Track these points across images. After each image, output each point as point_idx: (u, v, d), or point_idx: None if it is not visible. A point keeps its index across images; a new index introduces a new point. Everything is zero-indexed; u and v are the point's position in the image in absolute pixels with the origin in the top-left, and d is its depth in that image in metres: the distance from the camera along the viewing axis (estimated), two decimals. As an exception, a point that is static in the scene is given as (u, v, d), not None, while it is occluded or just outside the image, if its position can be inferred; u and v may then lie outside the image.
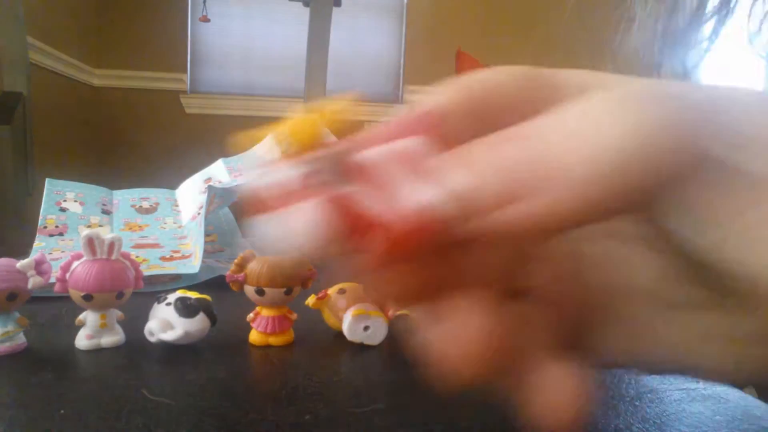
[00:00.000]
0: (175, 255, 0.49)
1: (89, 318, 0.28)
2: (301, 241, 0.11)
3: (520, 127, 0.12)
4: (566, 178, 0.10)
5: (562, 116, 0.11)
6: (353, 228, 0.11)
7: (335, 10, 2.02)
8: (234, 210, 0.63)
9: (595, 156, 0.10)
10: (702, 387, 0.26)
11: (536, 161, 0.11)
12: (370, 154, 0.12)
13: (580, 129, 0.11)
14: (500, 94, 0.17)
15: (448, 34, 3.37)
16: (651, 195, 0.11)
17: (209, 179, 0.62)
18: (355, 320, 0.29)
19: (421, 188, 0.11)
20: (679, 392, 0.25)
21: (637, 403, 0.24)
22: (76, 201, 0.56)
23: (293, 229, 0.11)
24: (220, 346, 0.29)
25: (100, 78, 3.06)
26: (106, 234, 0.28)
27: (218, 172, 0.62)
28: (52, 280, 0.27)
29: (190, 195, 0.62)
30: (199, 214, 0.52)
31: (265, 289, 0.28)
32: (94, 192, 0.59)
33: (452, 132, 0.16)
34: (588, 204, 0.10)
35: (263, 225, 0.12)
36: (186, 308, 0.28)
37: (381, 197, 0.11)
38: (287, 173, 0.12)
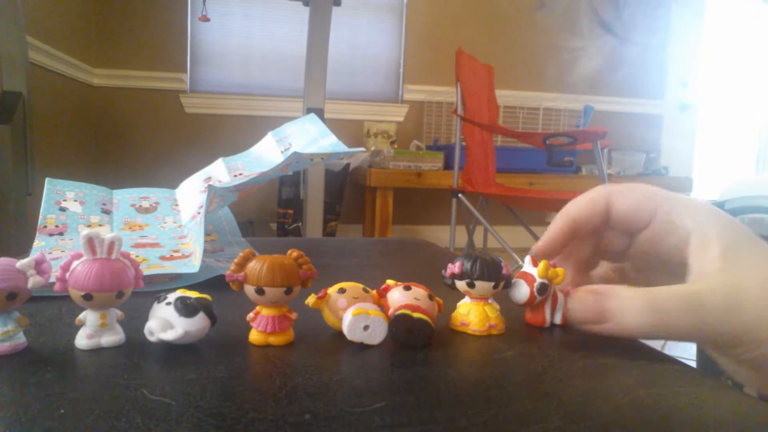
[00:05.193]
0: (175, 254, 0.49)
1: (89, 317, 0.28)
2: None
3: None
4: None
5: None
6: None
7: (335, 9, 2.01)
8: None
9: None
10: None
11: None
12: None
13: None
14: (627, 210, 0.32)
15: (448, 34, 3.37)
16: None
17: (209, 178, 0.62)
18: (354, 320, 0.29)
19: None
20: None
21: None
22: (76, 200, 0.56)
23: None
24: (220, 345, 0.29)
25: (99, 77, 3.05)
26: (106, 233, 0.28)
27: (218, 171, 0.62)
28: (52, 279, 0.27)
29: (189, 194, 0.62)
30: (199, 213, 0.52)
31: (265, 288, 0.28)
32: (94, 191, 0.59)
33: (585, 230, 0.33)
34: None
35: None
36: (186, 308, 0.28)
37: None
38: None
